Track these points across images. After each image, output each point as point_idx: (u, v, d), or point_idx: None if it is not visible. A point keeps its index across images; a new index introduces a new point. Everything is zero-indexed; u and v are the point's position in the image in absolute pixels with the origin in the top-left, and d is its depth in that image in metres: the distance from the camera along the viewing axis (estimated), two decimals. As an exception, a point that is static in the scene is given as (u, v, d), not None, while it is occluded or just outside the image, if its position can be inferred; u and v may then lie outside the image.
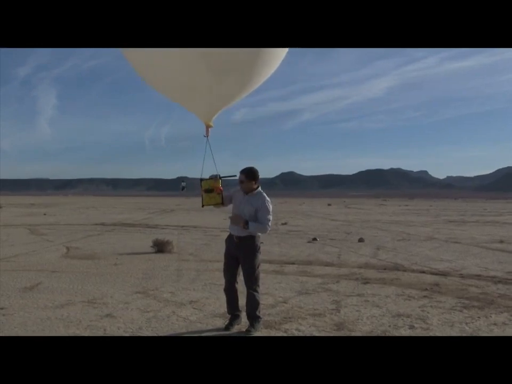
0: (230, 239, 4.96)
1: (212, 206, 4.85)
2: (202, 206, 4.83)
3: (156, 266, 8.85)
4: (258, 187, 4.87)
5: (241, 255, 4.84)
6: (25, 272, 8.19)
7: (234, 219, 4.80)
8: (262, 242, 4.94)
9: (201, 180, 4.72)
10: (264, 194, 4.87)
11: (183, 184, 4.86)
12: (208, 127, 4.74)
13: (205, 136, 4.70)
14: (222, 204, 4.78)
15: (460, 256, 10.53)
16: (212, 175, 4.74)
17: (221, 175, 4.76)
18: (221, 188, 4.72)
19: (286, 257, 10.15)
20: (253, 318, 4.82)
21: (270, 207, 4.82)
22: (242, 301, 4.98)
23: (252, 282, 4.82)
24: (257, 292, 4.85)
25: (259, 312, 4.86)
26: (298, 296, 6.44)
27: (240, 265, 4.89)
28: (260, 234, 4.87)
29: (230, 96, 4.74)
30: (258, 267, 4.85)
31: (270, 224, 4.77)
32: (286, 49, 4.61)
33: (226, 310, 5.08)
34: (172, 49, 3.84)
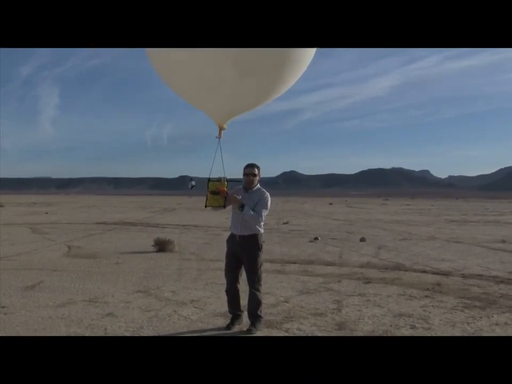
0: (232, 239, 4.94)
1: (213, 208, 4.86)
2: (205, 206, 4.85)
3: (157, 266, 8.85)
4: (257, 184, 4.92)
5: (244, 255, 4.83)
6: (26, 271, 8.20)
7: (233, 199, 4.75)
8: (264, 241, 4.93)
9: (209, 180, 4.73)
10: (264, 190, 4.90)
11: (193, 183, 4.83)
12: (221, 129, 4.71)
13: (217, 138, 4.68)
14: (224, 207, 4.79)
15: (462, 256, 10.51)
16: (220, 177, 4.74)
17: (228, 178, 4.77)
18: (227, 191, 4.74)
19: (288, 257, 10.14)
20: (255, 317, 4.81)
21: (268, 202, 4.84)
22: (243, 301, 4.97)
23: (255, 281, 4.81)
24: (259, 291, 4.85)
25: (261, 311, 4.85)
26: (299, 295, 6.43)
27: (242, 265, 4.89)
28: (262, 233, 4.88)
29: (251, 100, 4.64)
30: (260, 266, 4.85)
31: (263, 216, 4.79)
32: (313, 50, 4.44)
33: (227, 309, 5.07)
34: (196, 49, 3.76)
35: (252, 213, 4.72)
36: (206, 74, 4.18)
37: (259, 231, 4.83)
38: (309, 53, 4.41)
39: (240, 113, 4.81)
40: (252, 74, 4.19)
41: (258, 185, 4.93)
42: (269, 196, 4.87)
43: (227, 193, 4.71)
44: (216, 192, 4.69)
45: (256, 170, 4.87)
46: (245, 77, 4.18)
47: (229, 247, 4.98)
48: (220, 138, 4.66)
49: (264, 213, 4.80)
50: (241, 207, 4.72)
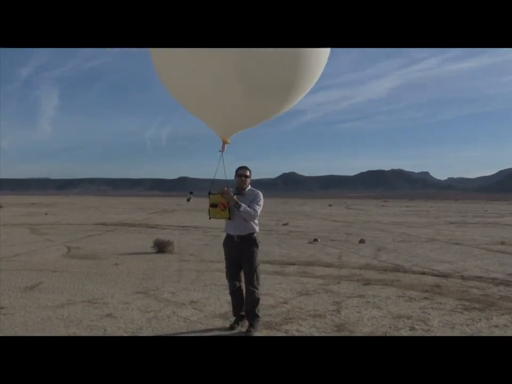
0: (229, 241, 4.96)
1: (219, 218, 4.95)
2: (210, 218, 4.94)
3: (156, 267, 8.85)
4: (249, 185, 5.03)
5: (242, 254, 4.85)
6: (26, 271, 8.19)
7: (229, 197, 4.78)
8: (259, 241, 4.99)
9: (209, 193, 4.80)
10: (255, 189, 5.03)
11: (190, 196, 4.91)
12: (225, 143, 4.68)
13: (220, 151, 4.68)
14: (229, 218, 4.85)
15: (461, 257, 10.51)
16: (220, 190, 4.80)
17: (232, 191, 4.84)
18: (226, 203, 4.79)
19: (287, 258, 10.14)
20: (252, 316, 4.81)
21: (261, 199, 4.95)
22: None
23: (253, 279, 4.84)
24: (257, 289, 4.87)
25: (258, 310, 4.86)
26: (298, 297, 6.43)
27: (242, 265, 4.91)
28: (258, 232, 4.95)
29: (259, 117, 4.60)
30: (258, 264, 4.90)
31: (257, 213, 4.86)
32: (326, 57, 4.29)
33: (232, 312, 5.06)
34: (206, 61, 3.70)
35: (248, 209, 4.80)
36: (213, 90, 4.11)
37: (255, 229, 4.92)
38: (322, 58, 4.25)
39: (247, 128, 4.79)
40: (261, 90, 4.07)
41: (250, 186, 5.04)
42: (260, 193, 5.01)
43: (225, 205, 4.78)
44: (216, 204, 4.78)
45: (248, 172, 4.99)
46: (253, 94, 4.09)
47: (228, 249, 4.99)
48: (222, 152, 4.66)
49: (259, 209, 4.89)
50: (238, 205, 4.76)
